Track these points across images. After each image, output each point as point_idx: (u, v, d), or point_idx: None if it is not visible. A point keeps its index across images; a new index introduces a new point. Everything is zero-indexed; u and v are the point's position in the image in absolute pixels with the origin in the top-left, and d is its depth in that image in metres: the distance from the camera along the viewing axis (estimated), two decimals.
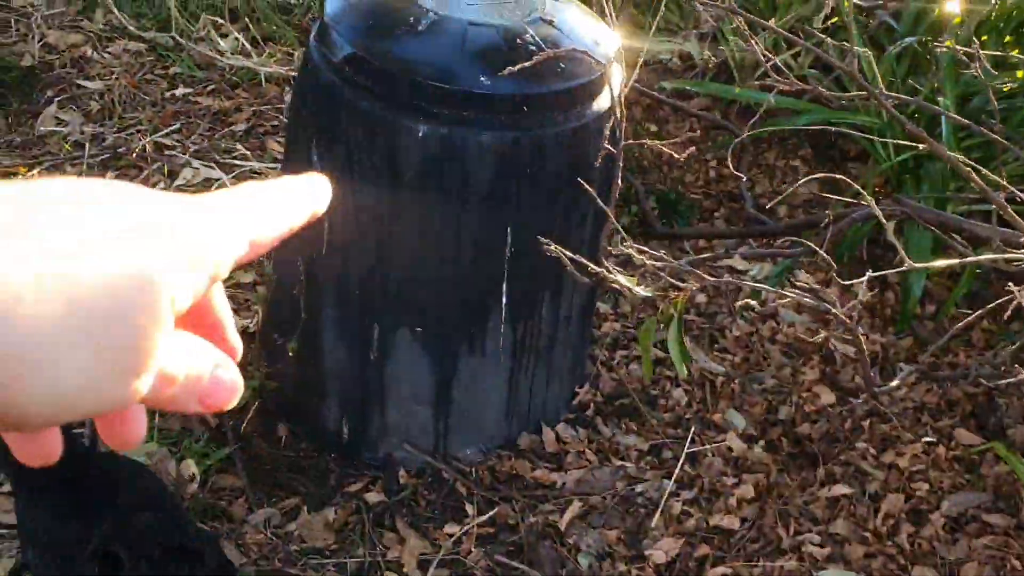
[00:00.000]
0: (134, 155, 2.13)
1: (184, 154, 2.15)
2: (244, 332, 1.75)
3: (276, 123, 2.34)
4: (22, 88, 2.35)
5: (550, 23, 1.43)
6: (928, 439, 1.73)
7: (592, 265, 1.25)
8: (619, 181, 1.35)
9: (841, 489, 1.59)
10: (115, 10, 2.59)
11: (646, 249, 1.11)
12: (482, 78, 1.33)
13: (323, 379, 1.59)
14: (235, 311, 1.72)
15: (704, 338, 1.90)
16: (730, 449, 1.66)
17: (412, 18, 1.37)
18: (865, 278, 1.13)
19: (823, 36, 1.41)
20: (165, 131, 2.22)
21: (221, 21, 2.57)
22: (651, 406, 1.75)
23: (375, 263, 1.46)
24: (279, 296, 1.58)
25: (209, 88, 2.42)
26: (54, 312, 0.29)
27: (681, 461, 1.63)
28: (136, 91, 2.38)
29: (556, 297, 1.56)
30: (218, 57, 2.49)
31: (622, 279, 1.17)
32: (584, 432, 1.70)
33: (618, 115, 1.36)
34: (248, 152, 2.18)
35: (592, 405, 1.75)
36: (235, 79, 2.45)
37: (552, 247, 1.30)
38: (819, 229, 1.80)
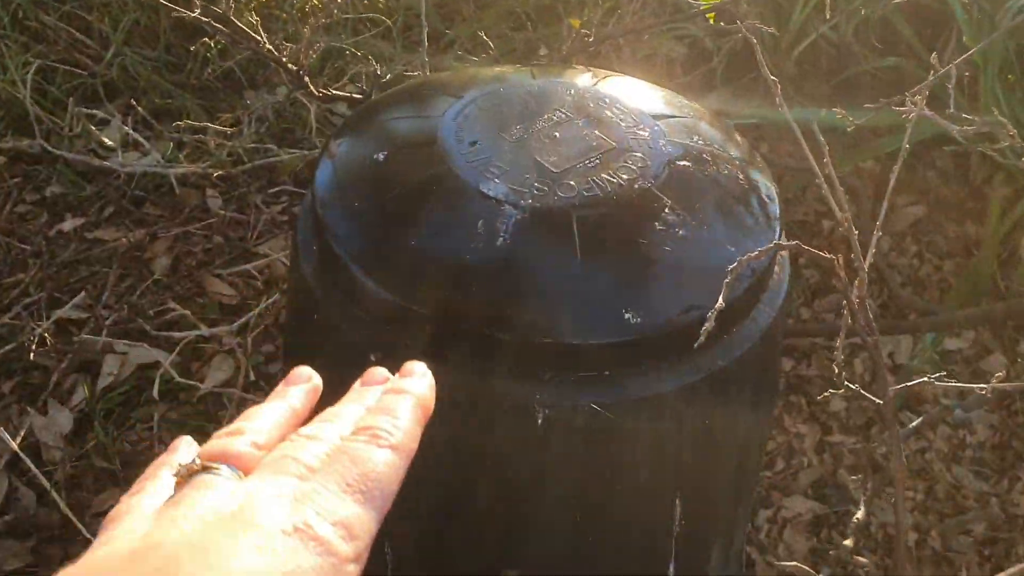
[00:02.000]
0: (31, 354, 1.52)
1: (99, 334, 1.55)
2: None
3: (210, 247, 1.74)
4: None
5: (688, 171, 0.90)
6: None
7: None
8: None
9: None
10: None
11: None
12: (626, 314, 0.80)
13: None
14: None
15: (857, 466, 1.43)
16: None
17: (480, 221, 0.82)
18: None
19: None
20: (66, 305, 1.61)
21: (95, 112, 1.93)
22: None
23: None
24: None
25: (106, 213, 1.80)
26: None
27: None
28: (7, 240, 1.75)
29: (729, 541, 1.07)
30: (105, 163, 1.87)
31: None
32: None
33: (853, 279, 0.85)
34: (186, 311, 1.59)
35: None
36: (137, 192, 1.84)
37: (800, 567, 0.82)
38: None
